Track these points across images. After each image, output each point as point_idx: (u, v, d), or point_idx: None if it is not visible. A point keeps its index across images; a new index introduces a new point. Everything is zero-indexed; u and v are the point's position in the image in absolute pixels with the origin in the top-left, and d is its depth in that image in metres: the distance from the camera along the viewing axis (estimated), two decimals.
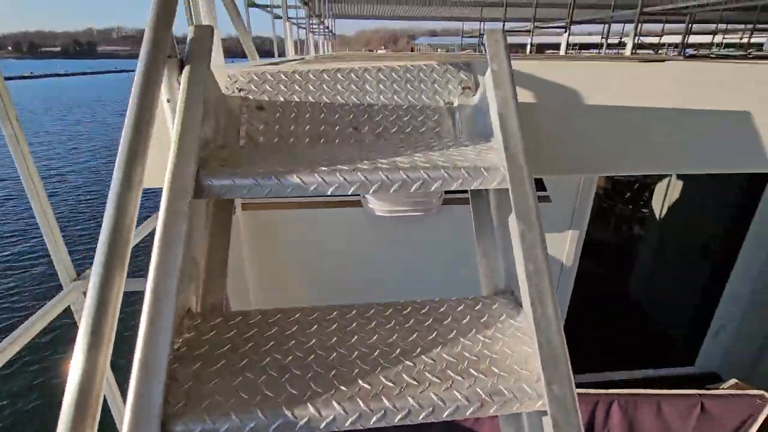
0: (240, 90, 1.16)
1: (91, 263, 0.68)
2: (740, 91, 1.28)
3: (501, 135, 0.87)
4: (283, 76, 1.19)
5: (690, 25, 10.97)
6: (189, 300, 0.85)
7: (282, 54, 7.17)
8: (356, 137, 1.11)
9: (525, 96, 1.23)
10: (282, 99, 1.16)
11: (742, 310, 3.42)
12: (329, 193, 0.80)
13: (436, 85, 1.21)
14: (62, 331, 5.81)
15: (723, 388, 1.94)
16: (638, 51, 11.79)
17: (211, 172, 0.79)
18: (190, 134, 0.80)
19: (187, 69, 0.86)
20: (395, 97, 1.19)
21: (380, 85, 1.20)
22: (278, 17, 7.72)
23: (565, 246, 2.18)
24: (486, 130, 1.08)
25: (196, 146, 0.80)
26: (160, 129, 0.90)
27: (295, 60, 2.97)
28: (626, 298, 4.62)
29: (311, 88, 1.18)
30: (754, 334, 3.41)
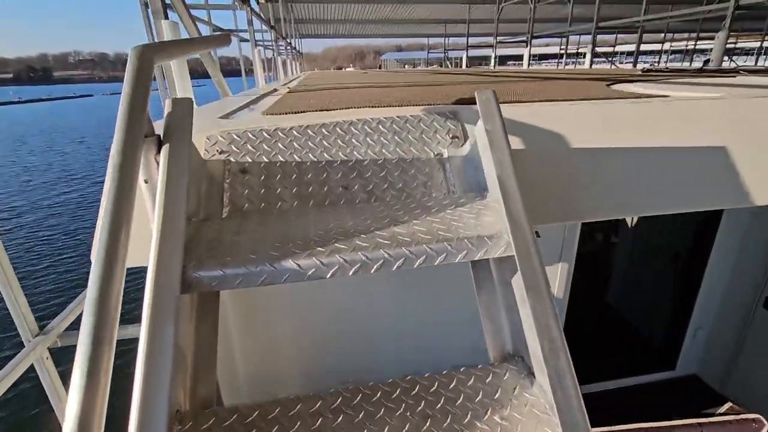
0: (221, 153, 1.10)
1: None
2: (719, 127, 1.32)
3: (501, 197, 0.85)
4: (265, 135, 1.14)
5: (641, 35, 11.63)
6: (177, 397, 0.77)
7: (249, 72, 7.11)
8: (347, 197, 1.07)
9: (513, 143, 1.22)
10: (266, 160, 1.10)
11: (717, 311, 3.54)
12: (328, 276, 0.75)
13: (424, 136, 1.19)
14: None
15: (719, 414, 1.96)
16: (595, 59, 12.42)
17: (198, 263, 0.73)
18: (174, 222, 0.74)
19: (166, 149, 0.80)
20: (384, 150, 1.15)
21: (368, 139, 1.17)
22: (245, 40, 7.64)
23: (555, 280, 2.20)
24: (479, 182, 1.06)
25: (181, 234, 0.74)
26: (139, 209, 0.83)
27: (266, 95, 2.91)
28: (605, 308, 4.70)
29: (296, 146, 1.13)
30: (729, 334, 3.53)
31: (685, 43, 22.97)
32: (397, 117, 1.21)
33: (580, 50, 22.12)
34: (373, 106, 1.61)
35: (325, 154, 1.13)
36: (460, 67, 23.65)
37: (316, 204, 1.05)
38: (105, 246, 0.66)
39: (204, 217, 0.96)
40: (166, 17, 2.38)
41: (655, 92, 1.99)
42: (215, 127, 1.23)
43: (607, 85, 2.73)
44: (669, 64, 24.23)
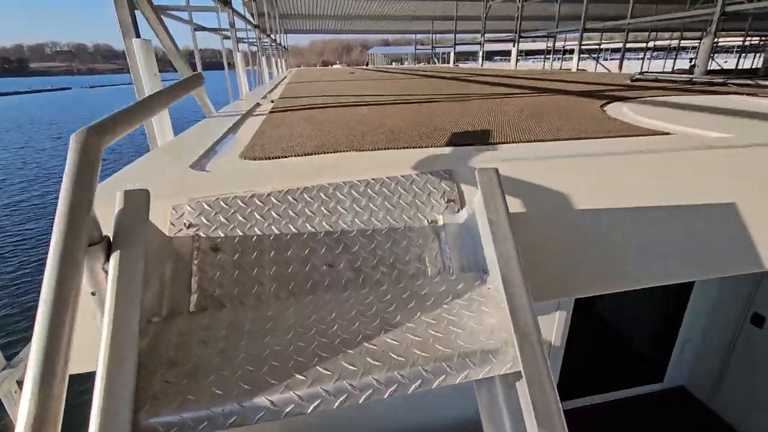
0: (189, 226, 0.97)
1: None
2: (732, 182, 1.24)
3: (504, 293, 0.75)
4: (240, 203, 1.02)
5: (627, 36, 11.68)
6: None
7: (232, 65, 6.88)
8: (331, 277, 0.96)
9: (513, 206, 1.12)
10: (241, 233, 0.98)
11: (705, 325, 3.55)
12: (309, 412, 0.64)
13: (417, 200, 1.08)
14: None
15: None
16: (582, 56, 12.45)
17: (152, 406, 0.61)
18: (124, 348, 0.62)
19: (116, 258, 0.68)
20: (373, 219, 1.04)
21: (355, 206, 1.05)
22: (227, 38, 7.40)
23: (553, 328, 2.13)
24: (477, 259, 0.96)
25: (133, 365, 0.62)
26: (85, 318, 0.71)
27: (248, 114, 2.76)
28: (597, 322, 4.69)
29: (275, 215, 1.02)
30: (717, 347, 3.54)
31: (668, 41, 23.25)
32: (387, 179, 1.10)
33: (567, 46, 22.21)
34: (358, 150, 1.49)
35: (307, 225, 1.01)
36: (448, 62, 23.52)
37: (297, 286, 0.94)
38: (37, 380, 0.55)
39: (168, 313, 0.83)
40: (138, 35, 2.21)
41: (653, 124, 1.92)
42: (183, 186, 1.10)
43: (601, 107, 2.65)
44: (653, 63, 24.50)
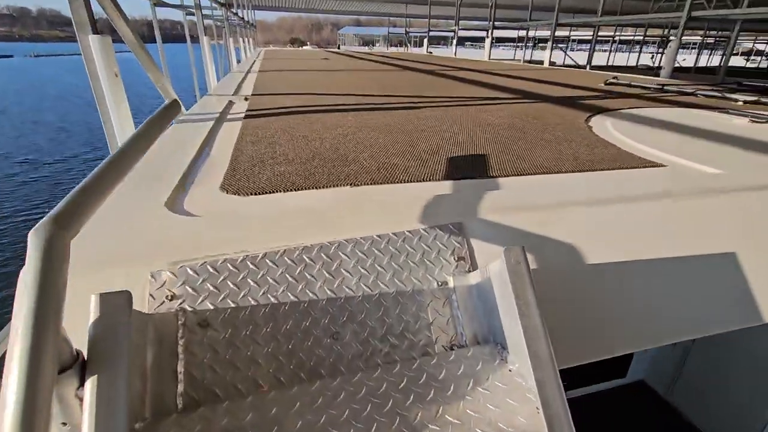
0: (171, 298, 0.85)
1: None
2: (735, 231, 1.24)
3: (539, 399, 0.70)
4: (231, 267, 0.90)
5: (596, 34, 11.91)
6: None
7: (195, 39, 6.43)
8: (336, 352, 0.87)
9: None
10: (233, 304, 0.87)
11: None
12: None
13: (425, 259, 1.00)
14: None
15: None
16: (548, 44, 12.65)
17: None
18: None
19: (92, 382, 0.56)
20: (379, 282, 0.95)
21: (359, 267, 0.96)
22: (191, 14, 6.91)
23: None
24: (491, 327, 0.90)
25: None
26: None
27: (223, 117, 2.56)
28: None
29: (271, 281, 0.91)
30: (677, 342, 3.74)
31: (632, 35, 23.97)
32: (393, 235, 1.01)
33: (537, 35, 22.44)
34: (353, 185, 1.39)
35: (308, 291, 0.91)
36: (421, 45, 23.20)
37: (299, 365, 0.84)
38: None
39: (153, 413, 0.72)
40: (96, 31, 1.96)
41: (645, 152, 1.92)
42: (161, 241, 0.96)
43: (586, 121, 2.65)
44: (617, 55, 25.24)
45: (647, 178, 1.55)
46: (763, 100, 3.65)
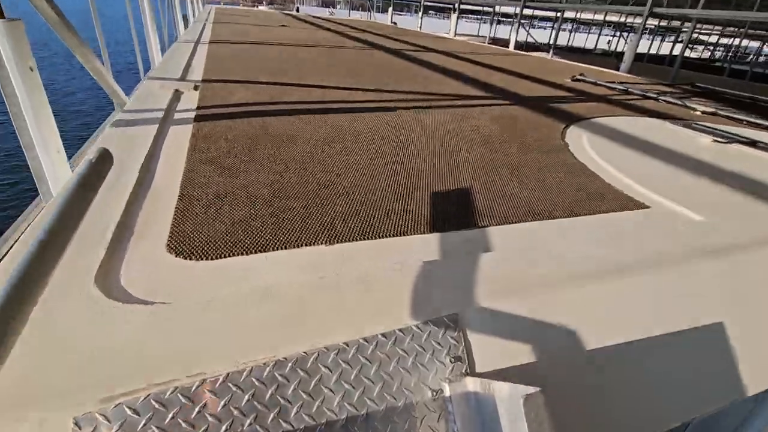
0: None
1: None
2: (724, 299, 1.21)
3: None
4: (182, 398, 0.72)
5: (562, 15, 11.96)
6: None
7: None
8: None
9: (523, 353, 0.96)
10: None
11: None
12: None
13: (418, 363, 0.87)
14: None
15: None
16: (511, 20, 12.60)
17: None
18: None
19: None
20: (366, 398, 0.81)
21: (343, 381, 0.81)
22: None
23: None
24: None
25: None
26: None
27: (169, 119, 2.23)
28: None
29: (235, 412, 0.74)
30: None
31: (592, 17, 24.41)
32: (383, 337, 0.86)
33: (501, 9, 22.27)
34: (328, 243, 1.21)
35: (280, 421, 0.75)
36: (385, 11, 22.24)
37: None
38: None
39: None
40: (2, 15, 1.58)
41: (626, 184, 1.88)
42: (88, 355, 0.76)
43: (562, 135, 2.58)
44: (577, 35, 25.69)
45: (635, 227, 1.49)
46: (720, 112, 3.78)
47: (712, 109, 3.83)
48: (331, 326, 0.88)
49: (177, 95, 2.68)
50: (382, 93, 3.30)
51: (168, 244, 1.12)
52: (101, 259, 1.01)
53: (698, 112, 3.85)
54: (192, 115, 2.28)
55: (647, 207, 1.67)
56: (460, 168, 1.87)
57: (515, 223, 1.43)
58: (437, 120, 2.65)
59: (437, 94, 3.49)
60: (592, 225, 1.48)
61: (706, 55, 24.18)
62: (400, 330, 0.89)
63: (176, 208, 1.30)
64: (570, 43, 24.47)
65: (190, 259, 1.08)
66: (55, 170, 1.93)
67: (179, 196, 1.37)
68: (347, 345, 0.84)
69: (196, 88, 2.89)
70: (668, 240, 1.41)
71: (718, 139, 2.83)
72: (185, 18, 9.90)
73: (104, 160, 0.91)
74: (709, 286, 1.25)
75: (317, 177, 1.61)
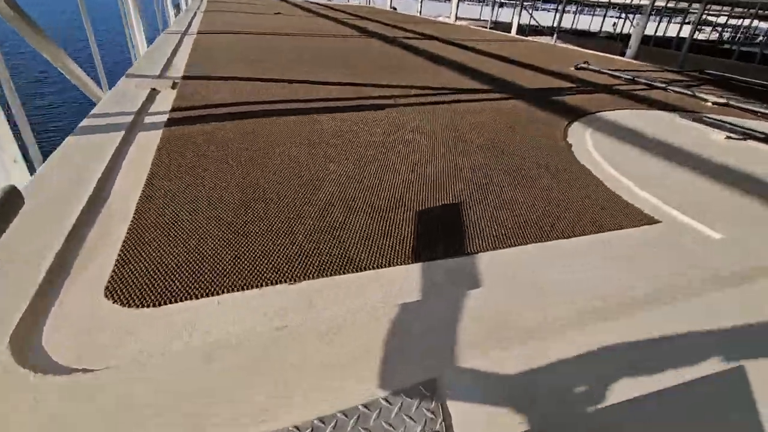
0: None
1: None
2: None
3: None
4: None
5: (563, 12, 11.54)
6: None
7: None
8: None
9: (515, 425, 0.82)
10: None
11: None
12: None
13: None
14: None
15: None
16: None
17: None
18: None
19: None
20: None
21: None
22: None
23: None
24: None
25: None
26: None
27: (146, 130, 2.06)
28: None
29: None
30: None
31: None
32: (342, 416, 0.72)
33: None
34: (294, 280, 1.06)
35: None
36: None
37: None
38: None
39: None
40: None
41: (635, 193, 1.72)
42: None
43: (564, 134, 2.40)
44: (581, 17, 25.03)
45: (646, 248, 1.34)
46: (732, 103, 3.57)
47: (724, 100, 3.62)
48: (286, 396, 0.74)
49: (153, 94, 2.51)
50: (376, 89, 3.11)
51: (107, 288, 0.97)
52: (22, 311, 0.87)
53: (709, 103, 3.65)
54: (165, 118, 2.11)
55: (658, 222, 1.51)
56: (453, 177, 1.71)
57: (509, 247, 1.28)
58: (434, 117, 2.48)
59: (435, 88, 3.30)
60: (597, 248, 1.33)
61: (714, 36, 23.52)
62: (364, 405, 0.74)
63: (125, 238, 1.15)
64: (574, 25, 23.84)
65: (131, 306, 0.93)
66: (11, 182, 1.78)
67: (132, 221, 1.22)
68: (298, 430, 0.70)
69: (174, 86, 2.71)
70: (683, 263, 1.26)
71: (732, 135, 2.64)
72: (178, 7, 9.63)
73: (9, 200, 0.76)
74: (732, 319, 1.10)
75: (290, 195, 1.46)
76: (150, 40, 6.72)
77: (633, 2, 16.99)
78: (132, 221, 1.22)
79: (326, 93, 2.84)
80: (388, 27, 8.17)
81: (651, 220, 1.51)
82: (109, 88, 3.67)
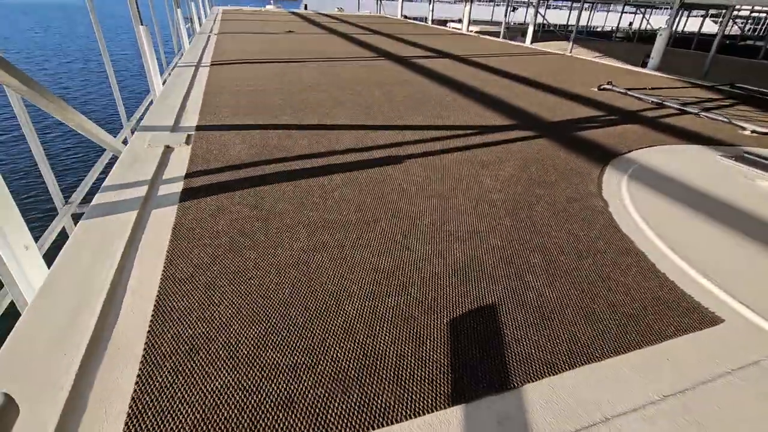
0: None
1: None
2: None
3: None
4: None
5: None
6: None
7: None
8: None
9: None
10: None
11: None
12: None
13: None
14: None
15: None
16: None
17: None
18: None
19: None
20: None
21: None
22: None
23: None
24: None
25: None
26: None
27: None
28: None
29: None
30: None
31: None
32: None
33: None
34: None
35: None
36: None
37: None
38: None
39: None
40: None
41: (689, 275, 1.56)
42: None
43: (599, 189, 2.24)
44: (597, 14, 24.45)
45: (708, 362, 1.18)
46: None
47: (763, 129, 3.39)
48: None
49: (167, 154, 2.44)
50: (389, 132, 2.99)
51: None
52: None
53: (747, 132, 3.43)
54: (179, 188, 2.03)
55: (721, 321, 1.35)
56: (479, 272, 1.57)
57: (556, 373, 1.14)
58: (449, 172, 2.34)
59: (453, 128, 3.16)
60: (650, 366, 1.17)
61: (734, 30, 22.66)
62: None
63: (134, 390, 1.03)
64: (589, 23, 23.32)
65: None
66: (24, 271, 1.72)
67: (141, 359, 1.11)
68: None
69: (188, 141, 2.64)
70: (748, 368, 1.10)
71: None
72: (191, 21, 9.70)
73: (4, 410, 0.67)
74: None
75: (317, 306, 1.35)
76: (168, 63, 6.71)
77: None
78: (141, 362, 1.11)
79: (338, 142, 2.74)
80: (401, 43, 8.06)
81: (712, 320, 1.36)
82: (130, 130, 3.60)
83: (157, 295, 1.33)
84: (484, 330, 1.27)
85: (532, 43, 9.34)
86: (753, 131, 3.41)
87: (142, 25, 4.45)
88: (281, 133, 2.84)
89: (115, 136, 2.89)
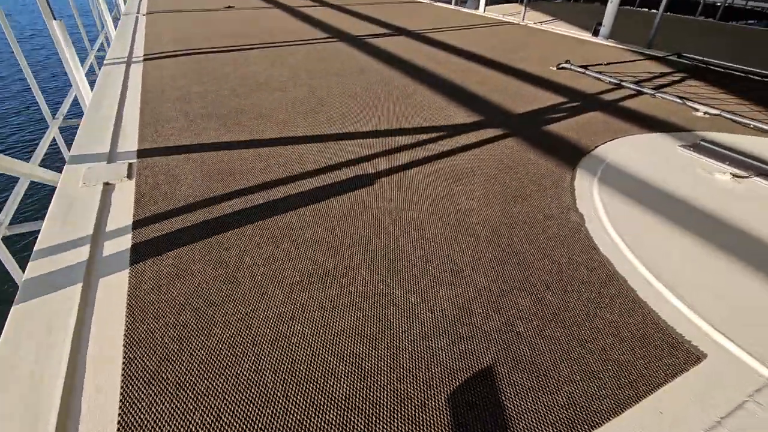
0: None
1: None
2: None
3: None
4: None
5: None
6: None
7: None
8: None
9: None
10: None
11: None
12: None
13: None
14: None
15: None
16: None
17: None
18: None
19: None
20: None
21: None
22: None
23: None
24: None
25: None
26: None
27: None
28: None
29: None
30: None
31: None
32: None
33: None
34: None
35: None
36: None
37: None
38: None
39: None
40: None
41: (671, 303, 1.58)
42: None
43: (573, 202, 2.23)
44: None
45: (701, 412, 1.21)
46: (724, 115, 3.46)
47: (715, 111, 3.51)
48: None
49: (107, 194, 2.16)
50: (346, 142, 2.82)
51: None
52: None
53: (700, 113, 3.53)
54: (128, 243, 1.80)
55: (704, 357, 1.38)
56: (470, 327, 1.52)
57: None
58: (422, 192, 2.23)
59: (408, 130, 3.02)
60: (647, 427, 1.18)
61: None
62: None
63: None
64: None
65: None
66: None
67: None
68: None
69: (129, 174, 2.34)
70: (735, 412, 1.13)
71: (737, 172, 2.54)
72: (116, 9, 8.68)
73: None
74: None
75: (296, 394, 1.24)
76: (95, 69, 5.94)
77: None
78: None
79: (301, 161, 2.55)
80: (353, 18, 7.61)
81: (694, 358, 1.38)
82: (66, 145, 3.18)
83: (120, 411, 1.17)
84: (484, 405, 1.22)
85: (487, 4, 9.12)
86: (705, 113, 3.52)
87: (55, 20, 3.87)
88: (238, 154, 2.59)
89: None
